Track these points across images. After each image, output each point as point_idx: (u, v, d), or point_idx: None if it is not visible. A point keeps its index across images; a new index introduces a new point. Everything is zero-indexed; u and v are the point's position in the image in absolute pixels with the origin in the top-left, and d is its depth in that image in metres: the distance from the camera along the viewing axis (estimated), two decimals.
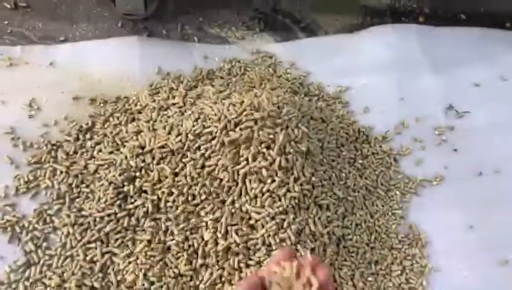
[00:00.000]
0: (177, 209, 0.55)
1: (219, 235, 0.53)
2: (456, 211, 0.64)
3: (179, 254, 0.54)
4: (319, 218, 0.56)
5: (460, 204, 0.65)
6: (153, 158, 0.57)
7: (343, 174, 0.62)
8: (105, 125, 0.64)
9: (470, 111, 0.72)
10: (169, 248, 0.54)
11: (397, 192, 0.65)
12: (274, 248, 0.53)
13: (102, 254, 0.53)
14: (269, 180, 0.55)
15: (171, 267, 0.53)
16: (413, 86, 0.75)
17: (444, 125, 0.71)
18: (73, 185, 0.59)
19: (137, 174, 0.56)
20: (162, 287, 0.52)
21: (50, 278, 0.53)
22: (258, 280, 0.33)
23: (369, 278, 0.58)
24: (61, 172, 0.60)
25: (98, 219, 0.55)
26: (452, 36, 0.80)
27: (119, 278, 0.53)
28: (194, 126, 0.57)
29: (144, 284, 0.52)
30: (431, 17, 0.84)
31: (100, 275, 0.53)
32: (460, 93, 0.74)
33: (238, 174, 0.55)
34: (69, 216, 0.56)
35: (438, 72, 0.76)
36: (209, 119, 0.58)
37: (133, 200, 0.55)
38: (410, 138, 0.70)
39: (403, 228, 0.62)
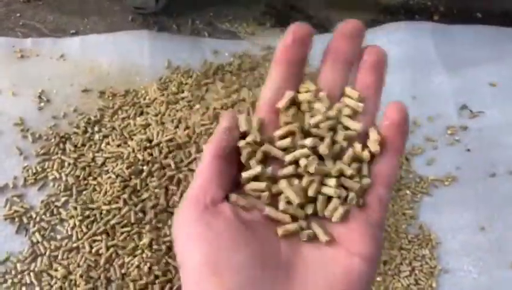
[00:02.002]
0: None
1: None
2: (468, 212, 0.63)
3: None
4: None
5: (472, 205, 0.63)
6: (160, 152, 0.56)
7: None
8: (114, 119, 0.64)
9: (484, 111, 0.71)
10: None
11: (408, 191, 0.64)
12: None
13: (108, 247, 0.53)
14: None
15: (176, 262, 0.53)
16: (426, 84, 0.73)
17: (457, 125, 0.70)
18: (81, 177, 0.59)
19: (145, 167, 0.56)
20: (166, 281, 0.52)
21: (56, 270, 0.53)
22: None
23: (378, 278, 0.57)
24: (69, 164, 0.59)
25: (104, 212, 0.55)
26: (467, 35, 0.79)
27: (123, 271, 0.52)
28: (202, 120, 0.57)
29: (148, 278, 0.51)
30: (446, 15, 0.83)
31: (105, 267, 0.53)
32: (474, 92, 0.73)
33: None
34: (75, 208, 0.56)
35: (452, 71, 0.74)
36: (218, 113, 0.57)
37: (139, 193, 0.55)
38: (422, 137, 0.69)
39: (413, 228, 0.61)
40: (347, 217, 0.24)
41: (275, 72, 0.28)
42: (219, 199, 0.25)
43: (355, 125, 0.26)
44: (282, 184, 0.25)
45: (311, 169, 0.24)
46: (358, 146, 0.26)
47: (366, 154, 0.26)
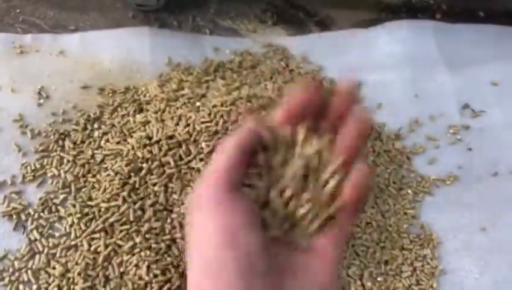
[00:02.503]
0: (182, 203, 0.54)
1: None
2: (470, 211, 0.62)
3: (184, 248, 0.53)
4: None
5: (474, 205, 0.63)
6: (160, 149, 0.56)
7: None
8: (113, 116, 0.63)
9: (486, 110, 0.70)
10: (174, 241, 0.53)
11: (409, 191, 0.63)
12: None
13: (106, 245, 0.53)
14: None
15: (175, 260, 0.52)
16: (428, 83, 0.73)
17: (459, 124, 0.69)
18: (80, 175, 0.58)
19: (144, 165, 0.56)
20: (165, 281, 0.51)
21: (54, 268, 0.52)
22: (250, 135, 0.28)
23: (379, 279, 0.56)
24: (68, 161, 0.59)
25: (103, 210, 0.55)
26: (470, 33, 0.78)
27: (122, 269, 0.52)
28: (202, 118, 0.56)
29: (147, 277, 0.51)
30: (448, 13, 0.82)
31: (103, 266, 0.52)
32: (476, 91, 0.72)
33: None
34: (74, 206, 0.56)
35: (454, 70, 0.74)
36: (218, 111, 0.57)
37: (138, 191, 0.55)
38: (424, 136, 0.68)
39: (414, 227, 0.61)
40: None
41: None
42: (239, 185, 0.27)
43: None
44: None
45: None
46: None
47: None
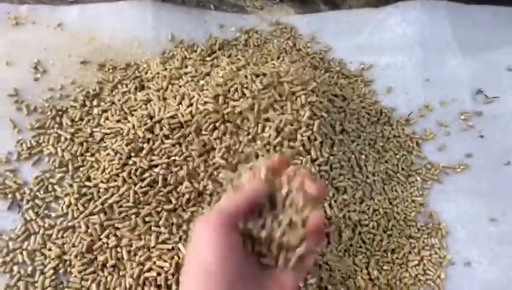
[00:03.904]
0: (181, 184, 0.52)
1: None
2: (479, 201, 0.60)
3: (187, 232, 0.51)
4: (335, 201, 0.53)
5: (484, 194, 0.61)
6: (161, 129, 0.53)
7: (363, 157, 0.58)
8: (113, 93, 0.60)
9: (500, 96, 0.68)
10: (173, 224, 0.51)
11: (418, 178, 0.61)
12: None
13: (104, 227, 0.51)
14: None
15: (174, 245, 0.50)
16: (440, 67, 0.70)
17: (470, 110, 0.67)
18: (78, 154, 0.56)
19: (145, 145, 0.53)
20: (162, 265, 0.49)
21: (50, 249, 0.51)
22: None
23: (385, 267, 0.54)
24: (66, 139, 0.57)
25: (102, 190, 0.52)
26: (484, 15, 0.75)
27: (120, 252, 0.50)
28: (205, 97, 0.54)
29: (145, 261, 0.49)
30: None
31: (101, 248, 0.50)
32: (490, 77, 0.70)
33: None
34: (71, 186, 0.53)
35: (468, 53, 0.71)
36: (223, 90, 0.54)
37: (138, 172, 0.52)
38: (435, 122, 0.66)
39: (422, 216, 0.59)
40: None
41: None
42: (235, 227, 0.33)
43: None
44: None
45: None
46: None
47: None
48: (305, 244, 0.34)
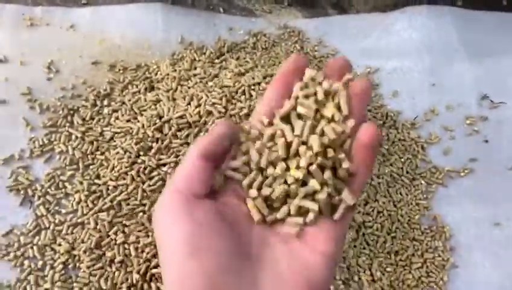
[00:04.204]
0: None
1: None
2: (484, 205, 0.61)
3: None
4: None
5: (488, 198, 0.61)
6: (170, 129, 0.55)
7: None
8: (124, 93, 0.62)
9: (505, 102, 0.68)
10: None
11: (423, 181, 0.62)
12: None
13: (113, 224, 0.52)
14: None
15: None
16: (446, 71, 0.71)
17: (476, 115, 0.68)
18: (88, 152, 0.57)
19: (154, 144, 0.55)
20: None
21: (59, 244, 0.52)
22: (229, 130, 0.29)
23: (388, 269, 0.55)
24: (77, 137, 0.58)
25: (111, 188, 0.54)
26: (491, 21, 0.76)
27: (127, 249, 0.51)
28: (213, 99, 0.55)
29: (152, 258, 0.50)
30: (470, 0, 0.80)
31: (109, 245, 0.51)
32: (496, 82, 0.70)
33: None
34: (81, 183, 0.55)
35: (474, 59, 0.72)
36: (230, 92, 0.55)
37: (147, 171, 0.54)
38: (440, 126, 0.67)
39: (426, 219, 0.60)
40: (316, 221, 0.28)
41: (272, 90, 0.32)
42: (201, 194, 0.27)
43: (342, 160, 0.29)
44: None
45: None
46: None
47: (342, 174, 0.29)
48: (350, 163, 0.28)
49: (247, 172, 0.29)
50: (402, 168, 0.62)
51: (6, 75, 0.62)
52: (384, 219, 0.57)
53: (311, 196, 0.28)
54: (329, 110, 0.30)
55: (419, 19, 0.75)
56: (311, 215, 0.28)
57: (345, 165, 0.28)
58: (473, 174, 0.63)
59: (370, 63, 0.71)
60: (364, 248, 0.55)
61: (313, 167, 0.27)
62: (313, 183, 0.28)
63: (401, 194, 0.60)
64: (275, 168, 0.29)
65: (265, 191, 0.29)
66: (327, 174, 0.28)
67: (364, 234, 0.56)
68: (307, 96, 0.31)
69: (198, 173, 0.27)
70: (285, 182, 0.28)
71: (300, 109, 0.30)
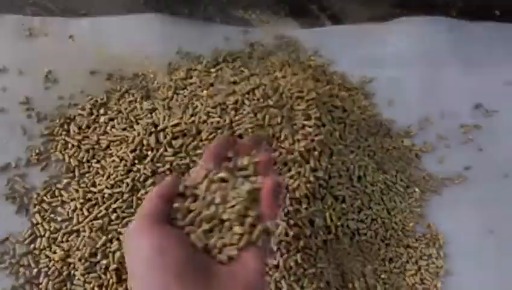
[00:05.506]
0: None
1: None
2: (478, 213, 0.61)
3: None
4: (334, 209, 0.54)
5: (482, 206, 0.62)
6: (165, 137, 0.55)
7: (362, 167, 0.59)
8: (120, 102, 0.62)
9: (499, 111, 0.69)
10: None
11: (417, 189, 0.62)
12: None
13: (108, 232, 0.52)
14: (285, 169, 0.53)
15: None
16: (440, 81, 0.71)
17: (470, 124, 0.68)
18: (84, 160, 0.58)
19: (149, 153, 0.55)
20: None
21: (54, 252, 0.52)
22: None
23: (382, 276, 0.55)
24: (73, 146, 0.59)
25: (106, 196, 0.54)
26: (485, 32, 0.77)
27: (121, 256, 0.51)
28: (208, 107, 0.55)
29: None
30: (464, 11, 0.80)
31: (104, 252, 0.52)
32: (490, 91, 0.71)
33: None
34: (77, 191, 0.55)
35: (468, 69, 0.72)
36: (226, 101, 0.56)
37: (142, 179, 0.54)
38: (434, 135, 0.67)
39: (420, 226, 0.60)
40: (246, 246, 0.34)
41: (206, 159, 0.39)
42: (164, 221, 0.34)
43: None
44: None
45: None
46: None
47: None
48: (254, 213, 0.35)
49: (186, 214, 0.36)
50: (396, 176, 0.62)
51: (4, 84, 0.63)
52: (378, 226, 0.58)
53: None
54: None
55: (414, 29, 0.76)
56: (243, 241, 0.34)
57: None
58: (467, 182, 0.64)
59: (365, 73, 0.72)
60: (358, 255, 0.55)
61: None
62: (236, 230, 0.35)
63: (395, 201, 0.60)
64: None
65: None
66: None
67: (358, 241, 0.56)
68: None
69: (156, 207, 0.34)
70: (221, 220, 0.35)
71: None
